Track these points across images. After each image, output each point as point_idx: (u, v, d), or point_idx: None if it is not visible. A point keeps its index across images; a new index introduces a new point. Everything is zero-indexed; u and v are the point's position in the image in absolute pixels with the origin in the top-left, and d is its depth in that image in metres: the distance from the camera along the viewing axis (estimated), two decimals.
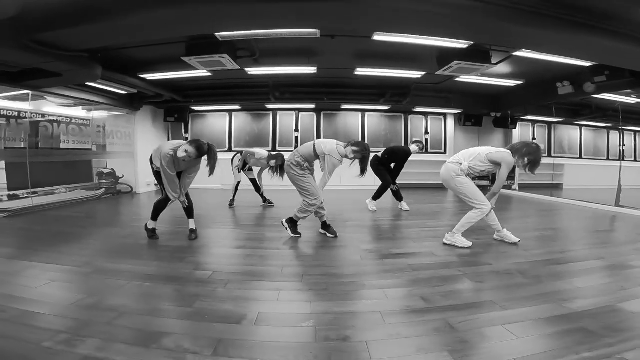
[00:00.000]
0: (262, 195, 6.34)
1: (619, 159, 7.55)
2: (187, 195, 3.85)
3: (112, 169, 7.87)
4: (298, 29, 4.13)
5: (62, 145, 7.67)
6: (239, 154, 6.16)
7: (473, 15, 3.25)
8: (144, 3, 3.17)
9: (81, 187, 7.62)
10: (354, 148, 3.74)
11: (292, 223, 3.92)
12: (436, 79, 6.77)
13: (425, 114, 9.93)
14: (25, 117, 6.73)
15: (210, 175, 3.51)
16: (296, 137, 9.67)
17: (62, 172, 7.45)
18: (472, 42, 4.61)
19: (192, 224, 3.92)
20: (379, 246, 3.66)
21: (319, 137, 9.65)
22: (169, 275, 2.71)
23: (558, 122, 10.27)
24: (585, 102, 8.51)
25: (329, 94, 8.09)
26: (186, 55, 4.88)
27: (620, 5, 3.30)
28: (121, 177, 8.04)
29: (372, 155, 5.96)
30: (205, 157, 3.51)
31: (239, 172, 6.16)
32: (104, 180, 7.64)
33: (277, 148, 9.48)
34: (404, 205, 5.92)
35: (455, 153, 3.87)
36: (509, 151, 3.52)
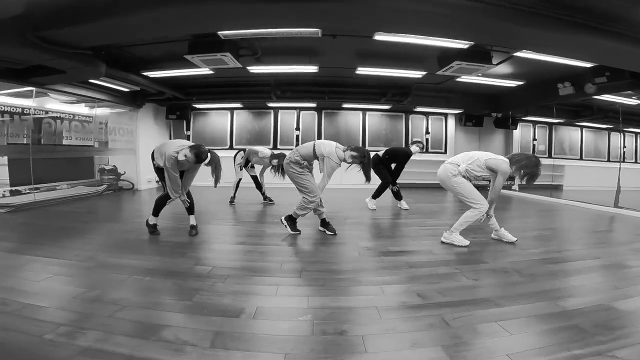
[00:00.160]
0: (262, 193, 6.38)
1: (619, 161, 7.55)
2: (188, 194, 3.90)
3: (114, 166, 7.93)
4: (299, 28, 4.16)
5: (65, 142, 7.70)
6: (242, 152, 6.20)
7: (473, 15, 3.26)
8: (146, 2, 3.20)
9: (83, 183, 7.66)
10: (353, 153, 3.76)
11: (291, 220, 3.96)
12: (437, 78, 6.78)
13: (426, 114, 9.94)
14: (29, 114, 6.77)
15: (216, 186, 3.62)
16: (297, 136, 9.70)
17: (64, 168, 7.49)
18: (472, 43, 4.63)
19: (192, 220, 3.96)
20: (378, 244, 3.70)
21: (319, 135, 9.70)
22: (170, 270, 2.75)
23: (559, 123, 10.27)
24: (586, 103, 8.50)
25: (330, 92, 8.11)
26: (189, 54, 4.91)
27: (620, 6, 3.31)
28: (123, 174, 8.09)
29: (372, 154, 6.05)
30: (206, 164, 3.57)
31: (241, 169, 6.20)
32: (106, 177, 7.70)
33: (278, 146, 9.51)
34: (404, 204, 5.95)
35: (456, 153, 3.90)
36: (507, 160, 3.51)
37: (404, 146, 7.30)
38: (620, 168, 6.54)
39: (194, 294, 2.28)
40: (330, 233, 3.97)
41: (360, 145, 9.52)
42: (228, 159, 6.50)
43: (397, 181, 6.03)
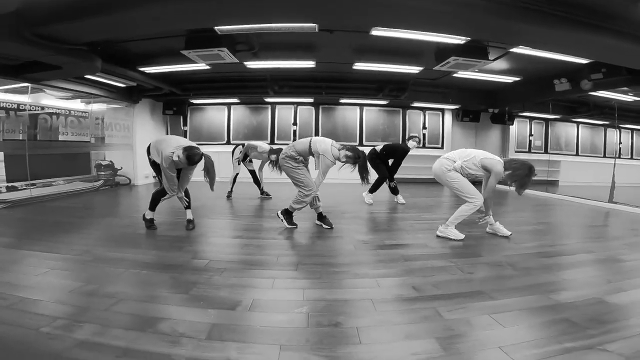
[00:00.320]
0: (260, 188, 6.39)
1: (614, 157, 7.59)
2: (186, 192, 3.92)
3: (111, 161, 7.91)
4: (297, 23, 4.15)
5: (60, 138, 7.68)
6: (241, 146, 6.20)
7: (473, 12, 3.27)
8: None
9: (79, 179, 7.64)
10: (348, 153, 3.77)
11: (288, 214, 3.97)
12: (434, 74, 6.78)
13: (423, 109, 9.94)
14: (25, 110, 6.74)
15: (212, 189, 3.66)
16: (294, 131, 9.69)
17: (61, 164, 7.47)
18: (469, 38, 4.63)
19: (189, 215, 3.97)
20: (374, 237, 3.73)
21: (317, 130, 9.70)
22: (167, 264, 2.76)
23: (555, 119, 10.30)
24: (583, 100, 8.51)
25: (327, 88, 8.10)
26: (185, 49, 4.89)
27: (619, 3, 3.32)
28: (119, 169, 8.07)
29: (369, 150, 6.07)
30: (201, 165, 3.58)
31: (239, 164, 6.20)
32: (102, 172, 7.68)
33: (276, 141, 9.49)
34: (400, 198, 5.98)
35: (453, 148, 3.91)
36: (502, 161, 3.52)
37: (401, 142, 7.32)
38: (615, 164, 6.58)
39: (190, 287, 2.29)
40: (327, 227, 3.99)
41: (358, 140, 9.63)
42: (225, 154, 6.51)
43: (394, 176, 6.05)
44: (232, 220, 4.65)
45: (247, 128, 9.76)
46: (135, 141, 8.30)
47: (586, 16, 3.48)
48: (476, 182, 3.69)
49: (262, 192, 6.37)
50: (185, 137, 9.62)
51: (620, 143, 10.27)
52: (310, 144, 3.87)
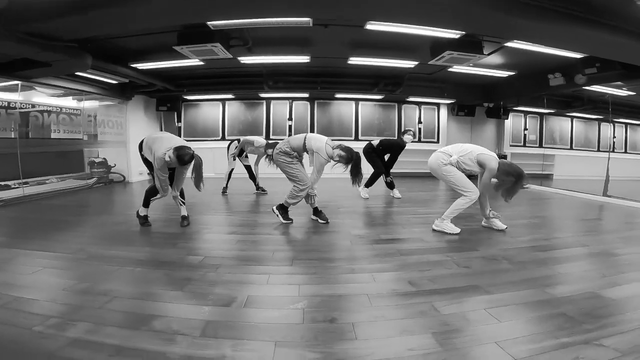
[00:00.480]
0: (256, 184, 6.36)
1: (608, 150, 7.63)
2: (181, 192, 3.91)
3: (104, 158, 7.84)
4: (290, 17, 4.11)
5: (53, 135, 7.59)
6: (236, 142, 6.16)
7: (472, 5, 3.27)
8: None
9: (73, 176, 7.57)
10: (341, 153, 3.74)
11: (283, 209, 3.96)
12: (429, 69, 6.77)
13: (419, 104, 9.95)
14: (15, 108, 6.65)
15: (199, 189, 3.64)
16: (290, 126, 9.66)
17: (54, 161, 7.39)
18: (464, 33, 4.62)
19: (183, 211, 3.94)
20: (370, 232, 3.72)
21: (312, 125, 9.68)
22: (161, 261, 2.74)
23: (549, 113, 10.34)
24: (577, 94, 8.56)
25: (322, 83, 8.07)
26: (178, 45, 4.84)
27: (618, 2, 3.33)
28: (113, 166, 8.01)
29: (365, 143, 6.06)
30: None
31: (234, 159, 6.16)
32: (96, 170, 7.62)
33: (271, 137, 9.45)
34: (396, 192, 5.99)
35: (448, 143, 3.91)
36: (497, 159, 3.51)
37: (396, 137, 7.31)
38: (609, 158, 6.61)
39: (185, 284, 2.27)
40: (323, 221, 3.98)
41: (354, 135, 9.62)
42: (221, 150, 6.47)
43: (390, 170, 6.05)
44: (227, 216, 4.63)
45: (242, 124, 9.71)
46: (129, 138, 8.23)
47: (584, 11, 3.50)
48: (472, 176, 3.68)
49: (258, 188, 6.35)
50: (180, 133, 9.59)
51: (614, 137, 10.33)
52: (305, 140, 3.85)
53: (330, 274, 2.47)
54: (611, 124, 9.47)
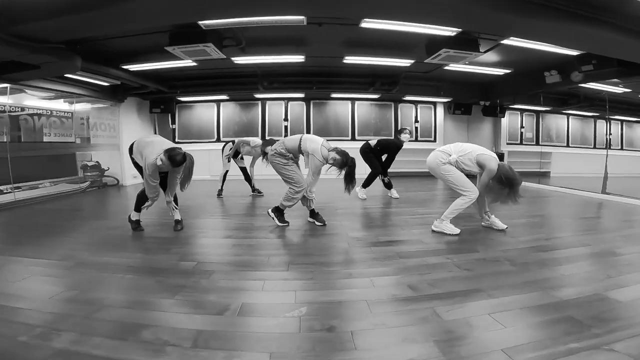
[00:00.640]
0: (252, 185, 6.27)
1: (606, 148, 7.62)
2: (175, 198, 3.82)
3: (97, 162, 7.73)
4: (284, 15, 4.03)
5: (45, 139, 7.48)
6: (231, 143, 6.07)
7: (471, 3, 3.23)
8: None
9: (65, 180, 7.46)
10: (336, 156, 3.63)
11: (279, 212, 3.87)
12: (425, 67, 6.72)
13: (415, 103, 9.89)
14: (5, 111, 6.53)
15: (182, 189, 3.54)
16: (285, 127, 9.58)
17: (46, 165, 7.28)
18: (460, 30, 4.57)
19: (177, 215, 3.85)
20: (368, 234, 3.64)
21: (309, 126, 9.61)
22: (153, 267, 2.66)
23: (546, 111, 10.35)
24: (573, 92, 8.55)
25: (318, 82, 8.01)
26: (169, 45, 4.75)
27: None
28: (107, 170, 7.89)
29: (362, 143, 5.99)
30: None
31: (229, 161, 6.08)
32: (89, 173, 7.50)
33: (267, 137, 9.35)
34: (394, 192, 5.92)
35: (445, 141, 3.85)
36: (497, 160, 3.42)
37: (393, 136, 7.26)
38: (607, 155, 6.58)
39: (177, 292, 2.19)
40: (320, 224, 3.91)
41: (350, 135, 9.55)
42: (216, 152, 6.38)
43: (388, 170, 5.98)
44: (222, 219, 4.54)
45: (238, 125, 9.62)
46: (122, 141, 8.11)
47: (583, 9, 3.46)
48: (470, 176, 3.62)
49: (254, 190, 6.26)
50: (174, 135, 9.49)
51: (610, 134, 10.34)
52: (300, 141, 3.76)
53: (328, 279, 2.39)
54: (607, 122, 9.47)
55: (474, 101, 9.36)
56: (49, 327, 1.74)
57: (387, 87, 8.03)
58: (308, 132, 9.33)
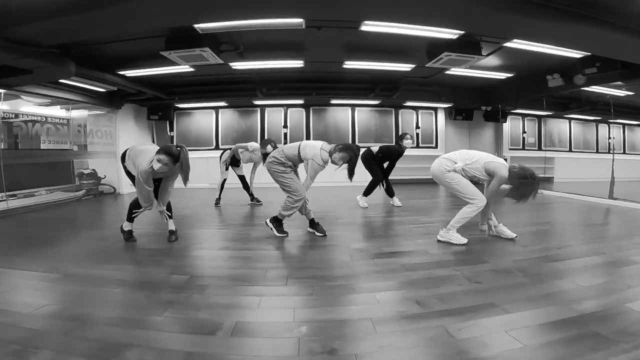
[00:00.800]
0: (250, 194, 6.12)
1: (609, 152, 7.50)
2: (168, 206, 3.68)
3: (94, 170, 7.58)
4: (282, 19, 3.93)
5: (42, 146, 7.37)
6: (228, 151, 5.93)
7: (473, 4, 3.16)
8: None
9: (61, 189, 7.31)
10: (342, 154, 3.55)
11: (277, 222, 3.72)
12: (426, 72, 6.63)
13: (416, 108, 9.80)
14: None
15: (185, 184, 3.32)
16: (285, 134, 9.47)
17: (40, 173, 7.14)
18: (462, 33, 4.47)
19: (171, 225, 3.69)
20: (370, 245, 3.47)
21: (308, 133, 9.50)
22: (142, 281, 2.50)
23: (548, 116, 10.24)
24: (575, 96, 8.49)
25: (317, 88, 7.92)
26: (165, 50, 4.66)
27: None
28: (103, 178, 7.75)
29: (364, 150, 5.85)
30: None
31: (227, 169, 5.93)
32: (85, 181, 7.36)
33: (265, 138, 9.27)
34: (396, 200, 5.77)
35: (447, 147, 3.72)
36: (506, 166, 3.26)
37: (394, 142, 7.14)
38: (613, 159, 6.45)
39: (166, 308, 2.03)
40: (320, 234, 3.75)
41: (350, 142, 9.42)
42: (214, 160, 6.26)
43: (389, 177, 5.85)
44: (218, 229, 4.38)
45: (236, 132, 9.52)
46: (119, 148, 7.95)
47: (586, 9, 3.40)
48: (475, 183, 3.47)
49: (253, 199, 6.11)
50: (172, 142, 9.38)
51: (612, 138, 10.25)
52: (299, 149, 3.62)
53: (329, 295, 2.22)
54: (609, 125, 9.38)
55: (475, 106, 9.27)
56: (25, 345, 1.61)
57: (388, 92, 7.94)
58: (308, 139, 9.21)
